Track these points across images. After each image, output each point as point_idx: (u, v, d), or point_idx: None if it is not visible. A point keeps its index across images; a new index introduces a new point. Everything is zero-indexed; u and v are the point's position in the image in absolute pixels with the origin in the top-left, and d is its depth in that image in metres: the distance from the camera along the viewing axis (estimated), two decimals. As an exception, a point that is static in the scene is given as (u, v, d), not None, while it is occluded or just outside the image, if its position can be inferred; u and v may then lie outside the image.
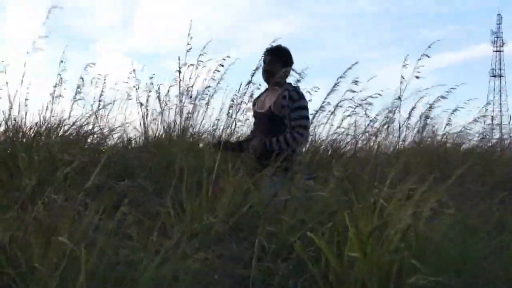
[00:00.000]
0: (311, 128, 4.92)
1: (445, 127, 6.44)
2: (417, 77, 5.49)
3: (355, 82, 5.09)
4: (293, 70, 4.33)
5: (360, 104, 5.26)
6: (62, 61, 4.89)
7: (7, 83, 4.51)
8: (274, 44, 4.38)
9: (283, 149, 3.87)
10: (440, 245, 2.61)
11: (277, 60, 4.23)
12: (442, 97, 5.98)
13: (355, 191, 2.78)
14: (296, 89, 4.20)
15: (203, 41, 5.09)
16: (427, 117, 6.21)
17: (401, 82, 5.56)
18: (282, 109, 4.05)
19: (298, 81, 4.48)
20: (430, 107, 6.13)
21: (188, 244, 2.44)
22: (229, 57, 5.07)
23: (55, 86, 4.71)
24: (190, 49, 5.08)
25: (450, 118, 6.48)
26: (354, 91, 5.13)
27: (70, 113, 4.64)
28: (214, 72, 5.08)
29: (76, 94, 4.94)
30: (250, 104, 4.78)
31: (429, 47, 5.41)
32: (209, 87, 5.12)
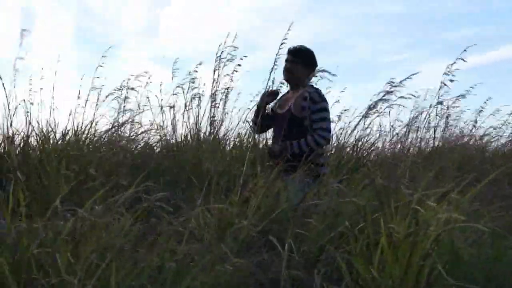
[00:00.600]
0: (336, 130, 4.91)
1: (472, 128, 6.40)
2: (451, 81, 5.43)
3: (391, 84, 5.00)
4: (326, 71, 4.28)
5: (391, 105, 5.16)
6: (100, 65, 4.90)
7: (41, 89, 4.54)
8: (298, 45, 4.32)
9: (304, 152, 3.85)
10: (471, 252, 2.56)
11: (297, 60, 4.19)
12: (462, 96, 5.96)
13: (386, 194, 2.73)
14: (318, 91, 4.15)
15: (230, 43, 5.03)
16: (447, 117, 6.16)
17: (440, 87, 5.53)
18: (302, 110, 4.01)
19: (330, 80, 4.41)
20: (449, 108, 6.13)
21: (217, 249, 2.43)
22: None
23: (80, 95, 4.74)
24: (222, 52, 5.01)
25: (476, 120, 6.48)
26: (389, 92, 5.03)
27: (93, 119, 4.63)
28: (232, 74, 5.02)
29: (103, 100, 4.95)
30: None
31: (465, 50, 5.28)
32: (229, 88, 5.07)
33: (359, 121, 5.06)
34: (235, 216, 2.79)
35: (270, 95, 4.28)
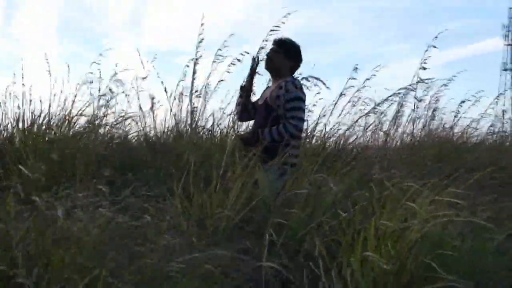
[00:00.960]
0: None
1: (454, 119, 6.42)
2: (424, 68, 5.47)
3: (355, 69, 5.04)
4: (320, 80, 4.30)
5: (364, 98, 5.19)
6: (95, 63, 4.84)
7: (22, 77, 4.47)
8: (283, 37, 4.30)
9: (276, 140, 3.85)
10: (455, 244, 2.59)
11: (280, 50, 4.18)
12: (445, 85, 6.01)
13: (367, 186, 2.75)
14: (294, 81, 4.12)
15: (216, 36, 5.01)
16: (434, 109, 6.20)
17: (414, 76, 5.53)
18: (276, 99, 4.00)
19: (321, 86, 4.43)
20: (437, 99, 6.16)
21: (198, 239, 2.42)
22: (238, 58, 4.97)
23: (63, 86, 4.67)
24: (202, 39, 4.97)
25: (458, 111, 6.50)
26: (354, 79, 5.07)
27: (71, 105, 4.56)
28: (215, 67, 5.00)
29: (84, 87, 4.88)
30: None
31: (436, 37, 5.40)
32: (222, 80, 5.04)
33: (333, 109, 5.16)
34: (215, 206, 2.79)
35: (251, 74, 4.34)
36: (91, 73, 4.86)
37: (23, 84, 4.42)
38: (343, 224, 2.52)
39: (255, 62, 4.34)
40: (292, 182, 3.18)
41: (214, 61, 4.95)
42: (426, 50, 5.39)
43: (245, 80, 4.39)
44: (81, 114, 4.32)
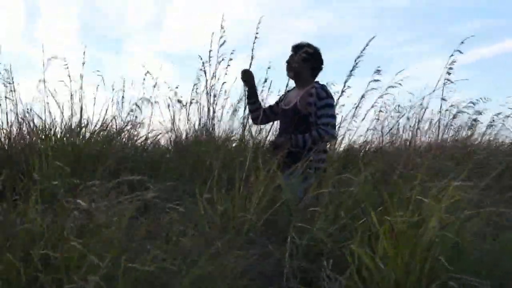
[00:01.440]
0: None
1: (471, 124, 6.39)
2: (449, 73, 5.42)
3: (378, 72, 5.02)
4: None
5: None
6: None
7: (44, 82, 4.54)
8: (302, 42, 4.31)
9: (307, 146, 3.87)
10: (473, 244, 2.58)
11: (296, 55, 4.19)
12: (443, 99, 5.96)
13: (387, 186, 2.75)
14: (324, 87, 4.16)
15: (233, 39, 5.04)
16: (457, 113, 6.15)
17: (444, 83, 5.49)
18: (308, 106, 4.02)
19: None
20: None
21: (221, 243, 2.45)
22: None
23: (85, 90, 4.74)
24: (224, 42, 5.01)
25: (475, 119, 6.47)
26: (377, 80, 5.04)
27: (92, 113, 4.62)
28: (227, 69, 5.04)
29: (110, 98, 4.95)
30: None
31: (462, 42, 5.28)
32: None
33: (354, 112, 5.07)
34: (237, 210, 2.81)
35: (245, 74, 4.39)
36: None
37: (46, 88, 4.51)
38: (359, 227, 2.54)
39: (247, 76, 4.37)
40: (316, 185, 3.19)
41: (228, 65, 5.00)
42: (451, 55, 5.32)
43: (247, 94, 4.42)
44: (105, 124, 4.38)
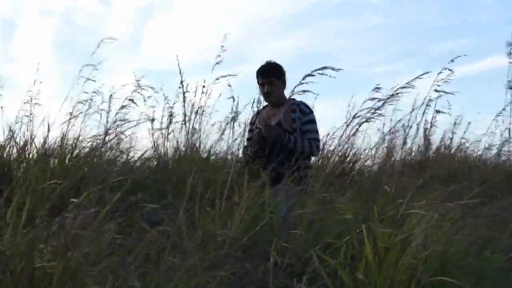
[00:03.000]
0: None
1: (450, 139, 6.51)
2: (437, 91, 5.49)
3: (377, 90, 5.08)
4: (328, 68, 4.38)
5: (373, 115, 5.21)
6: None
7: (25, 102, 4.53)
8: (266, 63, 4.27)
9: (295, 149, 3.88)
10: (459, 259, 2.59)
11: (273, 79, 4.17)
12: (438, 111, 6.02)
13: (373, 204, 2.76)
14: (305, 103, 4.19)
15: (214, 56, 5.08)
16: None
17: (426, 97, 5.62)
18: (292, 122, 4.03)
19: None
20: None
21: (201, 262, 2.44)
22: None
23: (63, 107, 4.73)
24: (220, 61, 5.10)
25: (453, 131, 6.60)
26: (375, 98, 5.08)
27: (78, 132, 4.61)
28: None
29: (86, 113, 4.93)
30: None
31: (452, 61, 5.34)
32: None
33: (345, 129, 5.17)
34: (218, 228, 2.80)
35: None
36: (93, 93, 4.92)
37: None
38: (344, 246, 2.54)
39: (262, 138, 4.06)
40: (298, 203, 3.20)
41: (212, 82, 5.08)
42: (440, 73, 5.38)
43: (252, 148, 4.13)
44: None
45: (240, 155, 4.52)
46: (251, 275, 2.53)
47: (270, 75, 4.18)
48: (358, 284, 2.36)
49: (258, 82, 4.26)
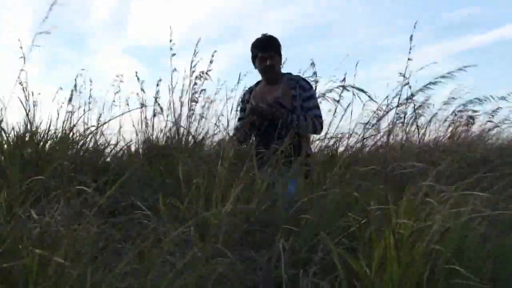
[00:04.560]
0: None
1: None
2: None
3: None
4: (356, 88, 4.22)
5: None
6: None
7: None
8: (263, 36, 4.11)
9: (297, 127, 3.73)
10: (477, 246, 2.46)
11: (272, 52, 4.05)
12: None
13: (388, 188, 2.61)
14: (303, 78, 4.05)
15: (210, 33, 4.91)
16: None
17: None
18: (293, 99, 3.85)
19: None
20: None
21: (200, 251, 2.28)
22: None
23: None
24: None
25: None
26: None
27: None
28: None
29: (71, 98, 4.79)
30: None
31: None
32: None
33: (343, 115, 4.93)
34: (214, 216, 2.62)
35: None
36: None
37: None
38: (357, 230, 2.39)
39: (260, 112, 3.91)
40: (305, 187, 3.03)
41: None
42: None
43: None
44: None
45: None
46: (253, 263, 2.38)
47: (271, 48, 4.05)
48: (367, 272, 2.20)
49: (255, 56, 4.11)
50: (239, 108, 4.35)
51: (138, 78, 5.03)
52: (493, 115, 6.50)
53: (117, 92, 5.08)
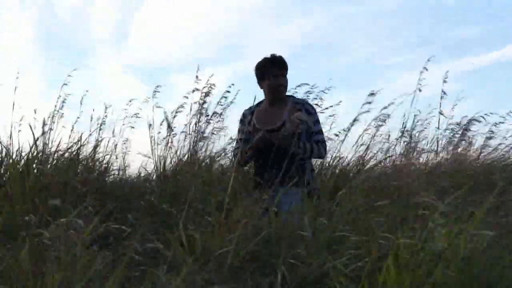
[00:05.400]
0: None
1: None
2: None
3: (372, 95, 5.02)
4: None
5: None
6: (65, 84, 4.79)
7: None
8: (277, 55, 4.06)
9: (304, 155, 3.74)
10: (479, 266, 2.45)
11: (285, 72, 4.01)
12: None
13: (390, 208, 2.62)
14: (308, 102, 4.07)
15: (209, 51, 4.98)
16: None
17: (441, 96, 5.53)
18: (300, 124, 3.84)
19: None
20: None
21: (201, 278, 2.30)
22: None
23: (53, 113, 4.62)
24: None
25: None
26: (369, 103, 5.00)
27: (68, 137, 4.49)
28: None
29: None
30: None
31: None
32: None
33: (345, 136, 5.02)
34: (218, 242, 2.63)
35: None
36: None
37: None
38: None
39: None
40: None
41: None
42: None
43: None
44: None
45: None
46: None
47: (284, 67, 4.00)
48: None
49: (268, 73, 4.01)
50: (237, 128, 4.26)
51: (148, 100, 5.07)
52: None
53: (125, 117, 5.11)
